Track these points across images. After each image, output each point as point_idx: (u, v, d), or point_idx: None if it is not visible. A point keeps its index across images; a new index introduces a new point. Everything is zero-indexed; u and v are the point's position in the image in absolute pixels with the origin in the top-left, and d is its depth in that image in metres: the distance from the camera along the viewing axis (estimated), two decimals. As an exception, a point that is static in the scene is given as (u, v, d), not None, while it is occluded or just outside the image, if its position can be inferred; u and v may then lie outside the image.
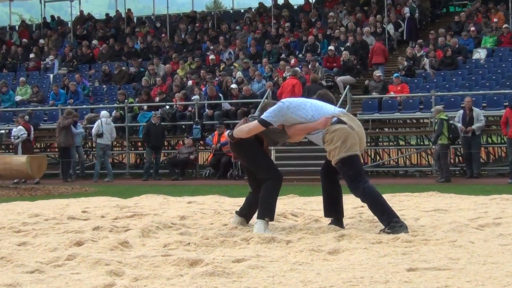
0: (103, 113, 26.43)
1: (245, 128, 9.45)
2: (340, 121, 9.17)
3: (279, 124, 9.31)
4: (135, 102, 29.63)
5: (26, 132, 25.50)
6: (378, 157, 29.85)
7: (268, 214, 9.32)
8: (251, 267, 6.63)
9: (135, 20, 43.02)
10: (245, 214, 9.96)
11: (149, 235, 9.06)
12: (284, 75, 29.10)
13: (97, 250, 7.82)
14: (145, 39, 38.08)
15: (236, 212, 10.15)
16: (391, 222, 8.79)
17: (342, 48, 30.65)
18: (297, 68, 28.52)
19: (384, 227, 8.86)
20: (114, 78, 33.64)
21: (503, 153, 23.92)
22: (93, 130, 25.75)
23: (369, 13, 35.72)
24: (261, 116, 9.31)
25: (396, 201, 13.57)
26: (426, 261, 6.82)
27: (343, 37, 32.24)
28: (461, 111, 22.82)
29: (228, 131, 9.90)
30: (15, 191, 20.40)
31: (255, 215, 9.58)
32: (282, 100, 9.66)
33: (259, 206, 9.43)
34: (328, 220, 9.72)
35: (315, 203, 13.14)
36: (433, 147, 23.13)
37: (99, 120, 25.99)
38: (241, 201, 14.07)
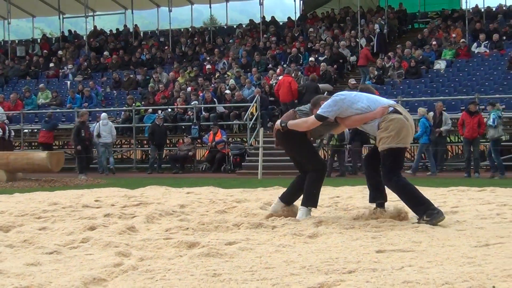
0: (102, 115, 26.41)
1: (303, 123, 8.90)
2: (396, 111, 8.70)
3: (334, 117, 8.85)
4: (142, 105, 29.68)
5: (1, 131, 25.51)
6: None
7: (311, 203, 9.04)
8: (241, 249, 6.63)
9: (141, 34, 43.16)
10: (288, 200, 9.36)
11: (153, 221, 9.04)
12: (270, 82, 29.24)
13: (108, 234, 7.81)
14: (150, 51, 38.13)
15: (279, 197, 9.50)
16: (427, 210, 8.39)
17: (321, 59, 30.72)
18: (290, 68, 29.01)
19: (419, 217, 8.47)
20: (123, 85, 33.80)
21: (459, 151, 23.96)
22: (94, 131, 25.70)
23: (344, 29, 35.84)
24: (318, 112, 8.75)
25: (366, 191, 13.55)
26: (393, 244, 6.83)
27: (322, 50, 32.36)
28: (431, 114, 22.90)
29: (280, 120, 9.22)
30: (36, 182, 20.35)
31: (299, 200, 9.29)
32: (336, 94, 9.08)
33: (304, 195, 9.11)
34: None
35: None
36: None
37: (98, 122, 26.04)
38: (233, 192, 14.13)
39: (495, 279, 4.93)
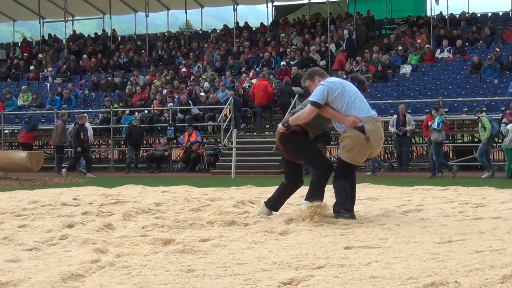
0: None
1: (302, 114, 8.70)
2: (362, 129, 8.56)
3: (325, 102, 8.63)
4: (119, 107, 29.58)
5: None
6: (328, 154, 29.88)
7: (317, 197, 8.78)
8: (215, 246, 6.63)
9: (119, 38, 43.02)
10: (273, 205, 9.30)
11: (130, 219, 9.02)
12: (244, 85, 29.30)
13: (86, 231, 7.78)
14: (128, 54, 38.09)
15: (265, 202, 9.42)
16: (340, 210, 8.56)
17: (292, 63, 30.78)
18: (265, 73, 29.00)
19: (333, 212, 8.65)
20: (101, 87, 33.71)
21: (424, 152, 24.11)
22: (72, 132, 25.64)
23: (315, 34, 35.91)
24: (312, 99, 8.64)
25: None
26: (360, 240, 6.86)
27: (293, 54, 32.40)
28: (395, 116, 23.04)
29: (282, 122, 9.02)
30: (16, 181, 20.22)
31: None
32: (327, 80, 8.88)
33: (309, 189, 8.93)
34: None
35: (269, 193, 13.12)
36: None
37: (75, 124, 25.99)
38: (207, 190, 14.12)
39: (457, 274, 4.97)
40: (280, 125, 9.04)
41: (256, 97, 27.28)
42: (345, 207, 8.61)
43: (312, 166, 9.30)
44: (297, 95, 26.32)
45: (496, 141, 23.18)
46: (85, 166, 24.82)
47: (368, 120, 8.66)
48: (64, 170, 23.63)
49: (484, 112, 21.65)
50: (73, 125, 26.10)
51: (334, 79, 9.21)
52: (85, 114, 26.06)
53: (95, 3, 43.15)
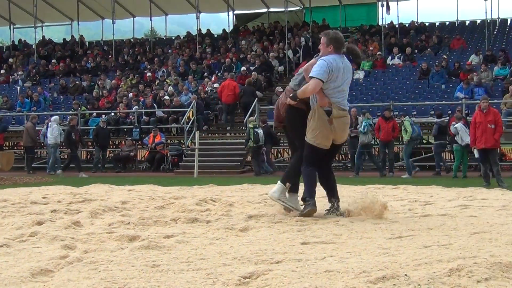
0: (53, 118, 26.03)
1: (308, 86, 8.31)
2: (329, 112, 8.37)
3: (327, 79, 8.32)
4: (87, 109, 29.44)
5: None
6: (279, 155, 29.92)
7: (291, 180, 8.73)
8: (178, 242, 6.61)
9: (87, 44, 42.88)
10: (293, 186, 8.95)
11: (97, 216, 8.95)
12: (206, 89, 29.31)
13: (54, 228, 7.70)
14: (95, 59, 37.95)
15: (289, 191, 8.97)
16: (305, 199, 8.56)
17: (252, 68, 30.83)
18: (234, 74, 29.65)
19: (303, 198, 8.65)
20: (69, 90, 33.58)
21: (376, 153, 24.29)
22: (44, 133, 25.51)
23: (273, 41, 36.05)
24: (312, 75, 8.30)
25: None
26: (316, 236, 6.88)
27: (253, 60, 32.45)
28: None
29: (292, 95, 8.58)
30: (-13, 181, 19.99)
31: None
32: (325, 58, 8.44)
33: (286, 172, 8.92)
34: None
35: (230, 191, 13.16)
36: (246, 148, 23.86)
37: (46, 125, 25.80)
38: (171, 189, 14.06)
39: (407, 267, 5.00)
40: (287, 99, 8.71)
41: (223, 95, 27.70)
42: (310, 194, 8.54)
43: (298, 146, 8.89)
44: (256, 98, 26.46)
45: (418, 143, 23.67)
46: (51, 167, 24.71)
47: (337, 106, 8.47)
48: (59, 171, 23.50)
49: (407, 116, 22.13)
50: (45, 127, 25.92)
51: (336, 61, 8.51)
52: (75, 117, 25.87)
53: (64, 10, 42.99)
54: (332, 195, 8.81)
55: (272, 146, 23.97)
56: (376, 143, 23.15)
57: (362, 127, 21.67)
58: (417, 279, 4.40)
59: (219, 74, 31.95)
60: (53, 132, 25.13)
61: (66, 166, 24.39)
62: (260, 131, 23.13)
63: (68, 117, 26.43)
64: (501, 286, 4.28)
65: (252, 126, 23.08)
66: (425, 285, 4.27)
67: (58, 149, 25.60)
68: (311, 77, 8.35)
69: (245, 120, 25.58)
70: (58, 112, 29.71)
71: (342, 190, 13.53)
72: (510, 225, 7.60)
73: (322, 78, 8.28)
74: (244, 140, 23.95)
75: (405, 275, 4.54)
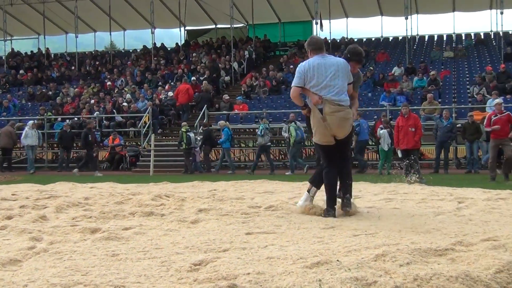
0: (28, 123, 25.78)
1: (290, 95, 8.10)
2: (321, 110, 7.81)
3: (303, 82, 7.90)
4: (52, 115, 29.15)
5: None
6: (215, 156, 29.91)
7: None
8: (135, 233, 6.54)
9: (52, 56, 42.49)
10: (318, 184, 8.49)
11: (62, 211, 8.81)
12: (160, 96, 29.20)
13: (23, 222, 7.56)
14: (60, 69, 37.59)
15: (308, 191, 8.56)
16: (327, 207, 7.89)
17: (202, 78, 30.78)
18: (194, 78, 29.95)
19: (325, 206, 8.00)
20: (36, 98, 33.26)
21: (311, 152, 24.48)
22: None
23: (221, 54, 36.06)
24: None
25: (238, 186, 13.66)
26: (259, 227, 6.87)
27: (202, 71, 32.44)
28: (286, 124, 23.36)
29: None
30: (-40, 179, 19.55)
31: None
32: (301, 64, 8.09)
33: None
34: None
35: (182, 188, 13.11)
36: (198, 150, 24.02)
37: (26, 128, 25.43)
38: (129, 186, 13.94)
39: (339, 254, 5.04)
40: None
41: (179, 97, 27.87)
42: (330, 204, 7.93)
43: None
44: (205, 105, 26.43)
45: (305, 145, 24.33)
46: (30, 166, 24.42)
47: (329, 102, 7.80)
48: (75, 170, 23.16)
49: (293, 122, 22.46)
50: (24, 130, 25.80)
51: (312, 60, 8.01)
52: (93, 120, 25.43)
53: (31, 25, 42.61)
54: (343, 191, 8.14)
55: (211, 148, 24.03)
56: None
57: (260, 130, 22.27)
58: (347, 264, 4.44)
59: (172, 83, 31.88)
60: (27, 135, 24.83)
61: (83, 166, 23.86)
62: (191, 134, 23.35)
63: (86, 120, 25.93)
64: (421, 269, 4.34)
65: (184, 130, 23.22)
66: (354, 269, 4.30)
67: (34, 150, 25.28)
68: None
69: (199, 122, 25.50)
70: (26, 117, 29.33)
71: (282, 186, 13.64)
72: (429, 216, 7.72)
73: (296, 84, 7.96)
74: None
75: (337, 260, 4.57)
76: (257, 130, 22.80)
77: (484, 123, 17.50)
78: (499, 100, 17.19)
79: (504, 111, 16.57)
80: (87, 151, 23.73)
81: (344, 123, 7.85)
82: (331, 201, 7.92)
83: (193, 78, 30.73)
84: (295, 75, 8.04)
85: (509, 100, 23.89)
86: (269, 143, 22.97)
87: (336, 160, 8.04)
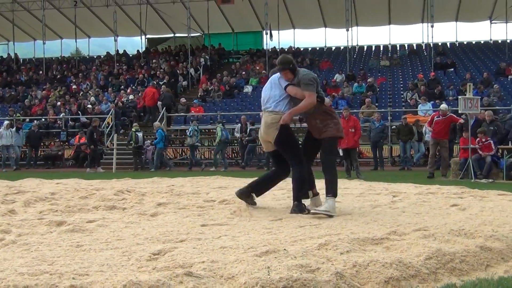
0: (4, 123, 25.24)
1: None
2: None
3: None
4: (21, 115, 28.68)
5: None
6: (183, 153, 29.76)
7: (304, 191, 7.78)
8: (99, 226, 6.48)
9: (21, 61, 41.92)
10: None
11: (29, 205, 8.66)
12: (122, 99, 28.97)
13: (-8, 216, 7.42)
14: (28, 74, 36.97)
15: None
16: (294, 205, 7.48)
17: (161, 83, 30.58)
18: (155, 83, 29.66)
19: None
20: (6, 100, 32.70)
21: (261, 151, 24.52)
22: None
23: (179, 61, 35.93)
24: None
25: (194, 181, 13.61)
26: (213, 219, 6.88)
27: (162, 76, 32.25)
28: (239, 125, 23.34)
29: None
30: None
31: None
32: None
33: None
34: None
35: (142, 184, 12.99)
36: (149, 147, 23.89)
37: (0, 129, 24.90)
38: (93, 182, 13.75)
39: (286, 243, 5.06)
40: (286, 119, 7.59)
41: (146, 100, 27.70)
42: (297, 198, 7.55)
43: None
44: (164, 108, 26.29)
45: (228, 145, 24.65)
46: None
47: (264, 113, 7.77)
48: (99, 168, 22.63)
49: (220, 124, 22.92)
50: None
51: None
52: (97, 118, 24.86)
53: (1, 31, 42.38)
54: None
55: (166, 147, 23.88)
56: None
57: (189, 132, 22.60)
58: (293, 252, 4.46)
59: (133, 87, 31.61)
60: (2, 135, 24.36)
61: (91, 163, 23.23)
62: (140, 134, 23.24)
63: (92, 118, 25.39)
64: (359, 257, 4.39)
65: (134, 130, 23.20)
66: (299, 257, 4.33)
67: (14, 149, 24.83)
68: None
69: (158, 123, 25.30)
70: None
71: (235, 182, 13.63)
72: (366, 208, 7.81)
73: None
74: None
75: (284, 249, 4.59)
76: (186, 131, 23.03)
77: (427, 121, 17.84)
78: (444, 105, 17.43)
79: (448, 113, 16.83)
80: (93, 148, 23.33)
81: (265, 128, 7.68)
82: (299, 197, 7.59)
83: (153, 82, 30.53)
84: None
85: (437, 105, 24.33)
86: (198, 143, 23.18)
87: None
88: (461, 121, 16.81)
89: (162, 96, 27.89)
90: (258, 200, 8.29)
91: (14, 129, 24.95)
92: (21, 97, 32.46)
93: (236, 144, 25.34)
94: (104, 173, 19.98)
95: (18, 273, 4.04)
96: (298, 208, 7.38)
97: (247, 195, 7.92)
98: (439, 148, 16.83)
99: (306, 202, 7.71)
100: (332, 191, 7.30)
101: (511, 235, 5.39)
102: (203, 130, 26.03)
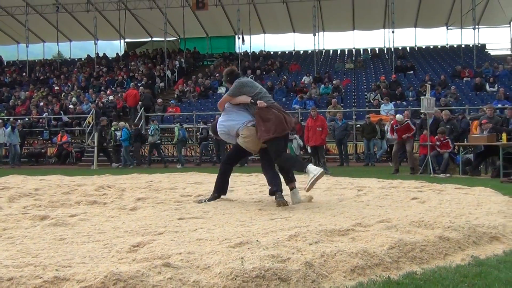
0: None
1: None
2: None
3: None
4: (5, 115, 28.25)
5: None
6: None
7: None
8: (81, 220, 6.41)
9: (5, 63, 41.24)
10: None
11: (14, 200, 8.54)
12: (103, 100, 28.72)
13: (-22, 211, 7.30)
14: (12, 75, 36.44)
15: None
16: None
17: (139, 85, 30.37)
18: (135, 85, 29.25)
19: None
20: (-10, 100, 32.01)
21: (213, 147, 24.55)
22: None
23: (156, 63, 35.77)
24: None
25: (172, 177, 13.55)
26: (190, 213, 6.85)
27: (140, 78, 32.08)
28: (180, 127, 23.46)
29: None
30: None
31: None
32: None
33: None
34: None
35: (122, 179, 12.90)
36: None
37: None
38: (75, 178, 13.62)
39: (258, 235, 5.07)
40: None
41: (128, 100, 27.36)
42: (303, 166, 7.50)
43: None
44: (142, 108, 26.12)
45: (186, 144, 24.60)
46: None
47: None
48: (114, 165, 22.31)
49: (178, 124, 23.19)
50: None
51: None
52: (105, 118, 24.47)
53: (-15, 35, 41.20)
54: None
55: (141, 144, 23.69)
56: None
57: (150, 131, 22.49)
58: (265, 244, 4.47)
59: (113, 88, 31.40)
60: None
61: (109, 159, 23.01)
62: (118, 132, 22.95)
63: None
64: (327, 247, 4.41)
65: (113, 128, 23.05)
66: (271, 248, 4.33)
67: (10, 147, 24.40)
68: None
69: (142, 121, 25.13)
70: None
71: (210, 178, 13.59)
72: (333, 202, 7.85)
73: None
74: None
75: (257, 240, 4.60)
76: (148, 130, 23.01)
77: (388, 130, 18.06)
78: (399, 115, 17.56)
79: (406, 119, 16.91)
80: (104, 146, 23.04)
81: (255, 138, 7.66)
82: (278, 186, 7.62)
83: (132, 84, 30.33)
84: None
85: (398, 105, 24.56)
86: (159, 141, 23.11)
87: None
88: (409, 135, 16.66)
89: (142, 96, 27.74)
90: (232, 194, 8.29)
91: (9, 129, 24.43)
92: (5, 97, 32.03)
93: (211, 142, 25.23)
94: (85, 170, 19.78)
95: (3, 266, 3.98)
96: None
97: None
98: (405, 144, 16.82)
99: (287, 198, 7.68)
100: (300, 168, 7.46)
101: (467, 225, 5.46)
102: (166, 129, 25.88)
